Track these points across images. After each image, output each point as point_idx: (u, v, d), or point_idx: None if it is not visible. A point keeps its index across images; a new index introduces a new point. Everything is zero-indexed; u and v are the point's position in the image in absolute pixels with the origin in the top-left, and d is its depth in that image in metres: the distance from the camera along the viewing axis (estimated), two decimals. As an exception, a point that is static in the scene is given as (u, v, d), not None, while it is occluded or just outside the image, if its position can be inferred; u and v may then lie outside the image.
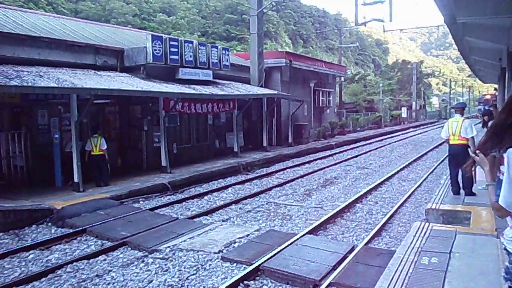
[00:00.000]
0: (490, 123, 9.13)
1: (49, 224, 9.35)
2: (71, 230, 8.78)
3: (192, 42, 16.70)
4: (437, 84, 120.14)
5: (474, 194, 9.20)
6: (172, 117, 15.73)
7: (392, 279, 5.08)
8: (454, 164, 9.21)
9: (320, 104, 28.25)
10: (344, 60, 64.41)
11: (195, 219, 9.73)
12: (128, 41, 16.71)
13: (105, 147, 12.46)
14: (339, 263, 6.74)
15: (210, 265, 6.90)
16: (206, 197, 12.16)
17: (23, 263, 7.16)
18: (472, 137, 8.97)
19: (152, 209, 10.51)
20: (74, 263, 6.99)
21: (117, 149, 15.22)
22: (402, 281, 5.00)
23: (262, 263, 6.62)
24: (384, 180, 14.25)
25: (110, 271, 6.72)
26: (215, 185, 13.81)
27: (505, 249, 2.90)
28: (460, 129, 9.10)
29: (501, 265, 5.13)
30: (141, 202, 11.43)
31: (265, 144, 20.69)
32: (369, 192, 12.47)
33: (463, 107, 9.80)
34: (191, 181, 13.70)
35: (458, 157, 8.85)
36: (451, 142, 9.29)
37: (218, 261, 7.04)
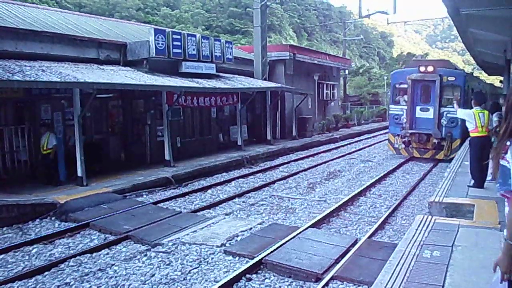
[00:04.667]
0: (494, 115, 9.01)
1: (53, 218, 9.39)
2: (74, 224, 8.82)
3: (195, 36, 16.65)
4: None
5: (483, 187, 9.13)
6: (175, 111, 15.71)
7: (393, 272, 5.05)
8: (483, 157, 9.07)
9: (324, 97, 28.14)
10: (349, 53, 64.13)
11: (198, 213, 9.75)
12: (131, 35, 16.68)
13: (54, 143, 11.58)
14: (342, 256, 6.74)
15: (212, 258, 6.92)
16: (209, 191, 12.17)
17: (27, 257, 7.21)
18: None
19: (155, 203, 10.54)
20: (77, 257, 7.04)
21: (120, 143, 15.25)
22: (403, 275, 4.98)
23: (264, 256, 6.64)
24: (388, 173, 14.22)
25: (112, 265, 6.76)
26: (219, 178, 13.81)
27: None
28: (488, 120, 9.13)
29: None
30: (145, 196, 11.45)
31: (269, 137, 20.64)
32: (373, 185, 12.45)
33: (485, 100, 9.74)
34: (195, 175, 13.72)
35: (486, 149, 8.84)
36: (479, 134, 9.09)
37: (221, 255, 7.07)
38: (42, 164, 11.90)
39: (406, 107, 16.20)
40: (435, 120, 15.68)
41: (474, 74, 30.19)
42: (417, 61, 18.62)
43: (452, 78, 15.78)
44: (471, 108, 9.47)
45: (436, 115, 15.66)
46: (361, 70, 55.10)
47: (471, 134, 9.27)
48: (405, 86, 16.37)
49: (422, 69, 16.08)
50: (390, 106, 18.10)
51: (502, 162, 2.77)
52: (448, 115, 15.47)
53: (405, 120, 16.25)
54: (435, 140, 15.77)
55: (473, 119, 9.08)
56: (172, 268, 6.56)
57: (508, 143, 2.59)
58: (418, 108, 16.18)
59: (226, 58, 17.88)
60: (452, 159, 13.71)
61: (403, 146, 16.65)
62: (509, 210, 2.67)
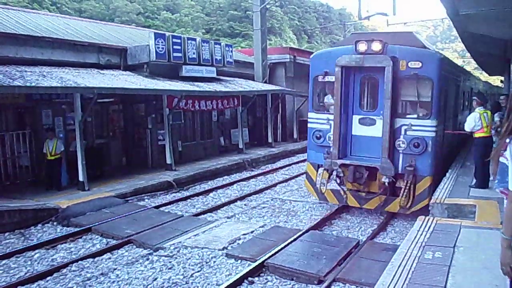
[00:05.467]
0: (496, 115, 9.02)
1: (55, 223, 9.40)
2: (76, 229, 8.82)
3: (195, 39, 16.68)
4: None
5: (487, 187, 9.07)
6: (176, 115, 15.72)
7: (395, 274, 5.05)
8: (488, 156, 8.99)
9: (325, 99, 28.08)
10: (349, 55, 64.01)
11: (199, 216, 9.76)
12: (131, 40, 16.71)
13: (62, 149, 11.69)
14: (344, 258, 6.75)
15: (214, 262, 6.93)
16: (211, 194, 12.17)
17: (29, 262, 7.22)
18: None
19: (157, 207, 10.55)
20: (79, 262, 7.05)
21: (121, 147, 15.26)
22: (405, 276, 4.98)
23: (266, 259, 6.65)
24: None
25: (115, 269, 6.76)
26: (220, 182, 13.81)
27: None
28: (491, 120, 9.13)
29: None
30: (146, 200, 11.45)
31: (270, 140, 20.64)
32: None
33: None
34: (196, 178, 13.72)
35: (490, 149, 8.79)
36: (485, 135, 9.02)
37: (223, 258, 7.07)
38: (48, 169, 11.86)
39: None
40: (385, 142, 8.69)
41: (475, 75, 22.92)
42: (356, 35, 10.35)
43: (417, 64, 8.55)
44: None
45: (387, 132, 8.67)
46: (361, 72, 55.01)
47: (476, 135, 9.22)
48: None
49: (362, 47, 8.72)
50: (309, 114, 10.03)
51: (501, 159, 2.78)
52: (410, 132, 8.75)
53: (332, 140, 9.30)
54: (384, 179, 8.75)
55: (479, 120, 9.09)
56: (174, 272, 6.56)
57: (507, 140, 2.60)
58: (355, 119, 9.33)
59: (226, 62, 17.90)
60: (419, 211, 8.48)
61: (333, 186, 9.50)
62: (507, 205, 2.68)
